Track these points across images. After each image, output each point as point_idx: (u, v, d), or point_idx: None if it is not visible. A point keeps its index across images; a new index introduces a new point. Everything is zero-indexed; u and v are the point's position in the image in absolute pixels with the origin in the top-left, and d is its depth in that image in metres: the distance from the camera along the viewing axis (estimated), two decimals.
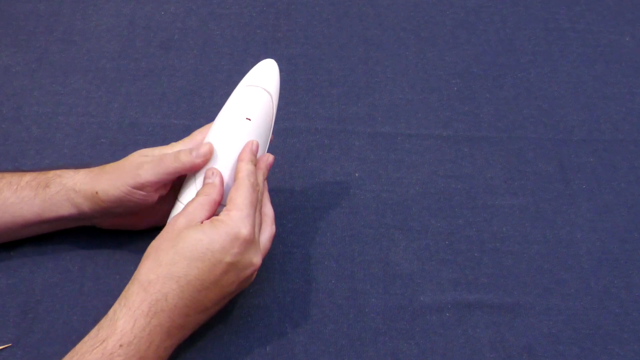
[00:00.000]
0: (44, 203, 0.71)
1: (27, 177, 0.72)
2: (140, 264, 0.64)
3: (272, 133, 0.73)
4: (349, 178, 0.85)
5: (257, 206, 0.67)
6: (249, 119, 0.68)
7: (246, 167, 0.67)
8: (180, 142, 0.72)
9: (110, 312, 0.62)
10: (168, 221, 0.67)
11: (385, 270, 0.76)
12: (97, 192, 0.69)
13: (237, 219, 0.64)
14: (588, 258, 0.78)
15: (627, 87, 0.97)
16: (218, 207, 0.67)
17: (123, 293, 0.62)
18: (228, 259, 0.63)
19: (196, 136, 0.72)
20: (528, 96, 0.96)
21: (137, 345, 0.60)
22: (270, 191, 0.79)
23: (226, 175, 0.68)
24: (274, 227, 0.70)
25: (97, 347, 0.59)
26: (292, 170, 0.86)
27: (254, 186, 0.67)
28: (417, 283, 0.75)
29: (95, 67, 0.98)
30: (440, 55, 1.01)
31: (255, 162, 0.69)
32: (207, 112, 0.91)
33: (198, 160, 0.68)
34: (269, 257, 0.76)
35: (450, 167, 0.87)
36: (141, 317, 0.60)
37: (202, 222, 0.64)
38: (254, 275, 0.67)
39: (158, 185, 0.69)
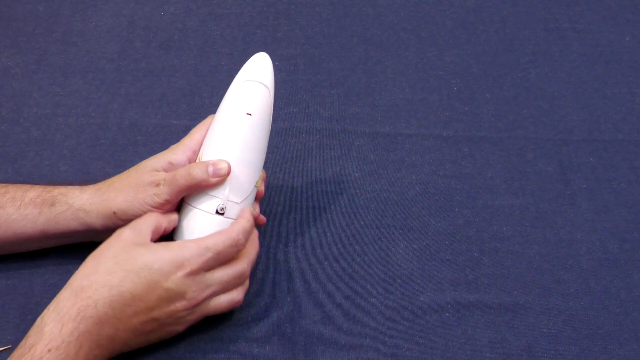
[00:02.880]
0: (48, 222, 0.70)
1: (31, 194, 0.71)
2: (77, 270, 0.63)
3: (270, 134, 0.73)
4: (349, 178, 0.85)
5: (221, 259, 0.64)
6: (250, 114, 0.68)
7: (244, 226, 0.66)
8: (180, 143, 0.71)
9: (38, 319, 0.60)
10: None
11: (385, 270, 0.76)
12: (114, 213, 0.68)
13: (189, 250, 0.63)
14: (588, 258, 0.78)
15: (627, 87, 0.97)
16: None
17: (54, 299, 0.61)
18: (165, 283, 0.62)
19: (195, 135, 0.71)
20: (528, 96, 0.96)
21: (66, 350, 0.58)
22: (271, 191, 0.79)
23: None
24: (246, 282, 0.68)
25: (25, 354, 0.58)
26: (292, 170, 0.86)
27: (236, 244, 0.65)
28: (417, 283, 0.75)
29: (94, 67, 0.98)
30: (440, 55, 1.01)
31: (253, 225, 0.68)
32: (207, 112, 0.90)
33: (213, 180, 0.66)
34: (269, 257, 0.76)
35: (450, 167, 0.87)
36: (69, 322, 0.59)
37: (151, 240, 0.64)
38: (188, 319, 0.65)
39: (175, 201, 0.69)
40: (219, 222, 0.67)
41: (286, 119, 0.91)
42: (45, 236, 0.71)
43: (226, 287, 0.66)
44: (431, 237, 0.79)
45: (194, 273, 0.63)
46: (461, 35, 1.04)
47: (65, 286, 0.62)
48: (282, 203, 0.82)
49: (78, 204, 0.69)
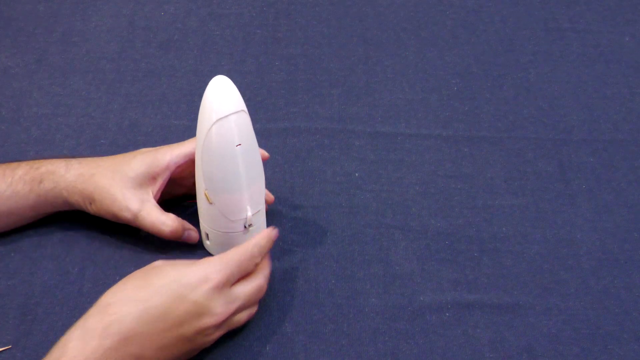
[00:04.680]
0: (39, 198, 0.74)
1: (20, 172, 0.74)
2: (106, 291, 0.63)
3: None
4: (349, 178, 0.85)
5: (242, 270, 0.66)
6: (240, 144, 0.68)
7: (259, 241, 0.67)
8: (169, 148, 0.75)
9: (64, 336, 0.59)
10: None
11: (385, 270, 0.76)
12: (91, 204, 0.73)
13: (213, 264, 0.63)
14: (588, 258, 0.78)
15: (627, 87, 0.97)
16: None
17: (81, 317, 0.60)
18: (192, 296, 0.61)
19: (186, 146, 0.75)
20: (528, 96, 0.96)
21: None
22: (271, 191, 0.79)
23: (224, 202, 0.70)
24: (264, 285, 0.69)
25: None
26: (292, 170, 0.86)
27: (252, 256, 0.66)
28: (417, 283, 0.75)
29: (94, 68, 0.98)
30: (440, 55, 1.01)
31: (271, 243, 0.69)
32: None
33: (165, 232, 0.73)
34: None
35: (450, 167, 0.87)
36: (94, 339, 0.57)
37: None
38: (214, 336, 0.64)
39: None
40: (251, 234, 0.73)
41: (286, 119, 0.91)
42: (35, 212, 0.75)
43: (249, 302, 0.67)
44: (431, 237, 0.79)
45: (220, 286, 0.63)
46: (461, 35, 1.04)
47: (94, 305, 0.61)
48: (282, 203, 0.82)
49: (62, 184, 0.73)
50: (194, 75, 0.97)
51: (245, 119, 0.68)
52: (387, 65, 0.99)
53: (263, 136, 0.86)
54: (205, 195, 0.70)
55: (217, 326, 0.64)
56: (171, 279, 0.62)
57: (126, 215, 0.72)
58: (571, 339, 0.71)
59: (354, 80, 0.97)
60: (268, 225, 0.78)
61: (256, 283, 0.67)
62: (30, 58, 0.99)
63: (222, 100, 0.66)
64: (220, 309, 0.63)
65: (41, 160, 0.75)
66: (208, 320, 0.62)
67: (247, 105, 0.68)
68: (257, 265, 0.67)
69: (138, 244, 0.77)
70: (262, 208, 0.74)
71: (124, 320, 0.59)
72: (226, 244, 0.74)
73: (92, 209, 0.74)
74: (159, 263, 0.65)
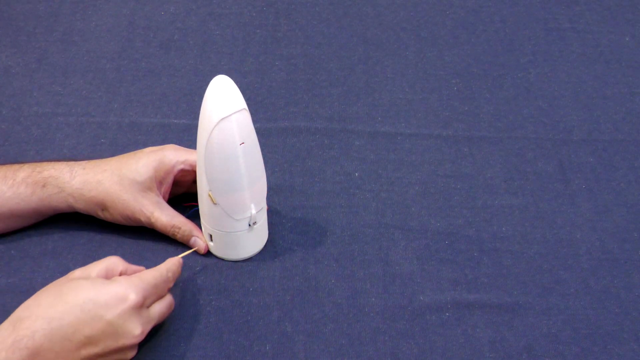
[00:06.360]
0: (41, 201, 0.74)
1: (22, 174, 0.74)
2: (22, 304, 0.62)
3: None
4: (349, 178, 0.85)
5: (158, 292, 0.66)
6: (243, 143, 0.68)
7: (171, 267, 0.68)
8: (177, 149, 0.76)
9: None
10: None
11: (385, 270, 0.76)
12: (102, 210, 0.74)
13: (131, 284, 0.63)
14: (588, 258, 0.78)
15: (627, 87, 0.97)
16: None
17: None
18: (109, 316, 0.61)
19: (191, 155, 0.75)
20: (528, 96, 0.96)
21: None
22: (271, 191, 0.79)
23: (229, 201, 0.70)
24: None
25: None
26: (292, 170, 0.86)
27: (166, 280, 0.67)
28: (417, 283, 0.75)
29: (95, 67, 0.98)
30: (440, 55, 1.01)
31: (179, 274, 0.70)
32: None
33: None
34: (269, 256, 0.76)
35: (450, 167, 0.87)
36: (1, 351, 0.57)
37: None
38: (130, 355, 0.64)
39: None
40: (254, 231, 0.74)
41: (286, 119, 0.91)
42: (38, 214, 0.76)
43: (161, 319, 0.68)
44: (431, 236, 0.79)
45: (137, 306, 0.63)
46: (461, 35, 1.04)
47: (7, 319, 0.60)
48: (282, 203, 0.82)
49: (68, 190, 0.73)
50: (194, 74, 0.97)
51: (247, 117, 0.68)
52: (387, 65, 0.99)
53: (263, 136, 0.86)
54: (210, 196, 0.70)
55: (134, 346, 0.64)
56: (87, 298, 0.61)
57: (140, 218, 0.74)
58: (571, 338, 0.71)
59: (354, 80, 0.97)
60: (269, 224, 0.78)
61: (167, 301, 0.68)
62: (31, 57, 0.99)
63: (224, 100, 0.66)
64: (138, 330, 0.63)
65: (43, 163, 0.75)
66: (126, 341, 0.62)
67: (247, 105, 0.68)
68: (168, 289, 0.68)
69: (138, 241, 0.77)
70: (264, 206, 0.75)
71: (34, 336, 0.58)
72: (230, 244, 0.74)
73: (104, 215, 0.75)
74: (77, 274, 0.64)
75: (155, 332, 0.69)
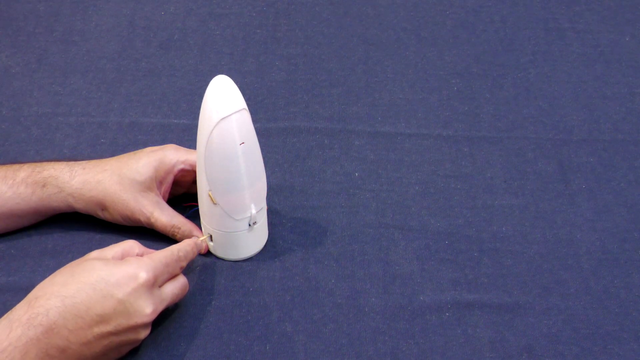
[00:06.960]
0: (41, 201, 0.74)
1: (22, 174, 0.74)
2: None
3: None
4: (349, 178, 0.85)
5: (169, 272, 0.67)
6: (243, 143, 0.68)
7: (184, 247, 0.69)
8: (177, 149, 0.76)
9: None
10: None
11: (385, 270, 0.76)
12: (102, 210, 0.74)
13: (142, 263, 0.64)
14: (588, 258, 0.78)
15: (627, 87, 0.97)
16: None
17: (10, 310, 0.61)
18: (120, 295, 0.61)
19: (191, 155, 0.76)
20: (528, 96, 0.96)
21: (12, 354, 0.57)
22: (271, 191, 0.79)
23: (229, 201, 0.70)
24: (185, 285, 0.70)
25: None
26: (292, 170, 0.86)
27: (178, 259, 0.68)
28: (417, 283, 0.75)
29: (95, 67, 0.98)
30: (440, 55, 1.01)
31: (196, 252, 0.72)
32: None
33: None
34: (269, 256, 0.76)
35: (450, 166, 0.87)
36: (18, 327, 0.58)
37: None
38: (144, 334, 0.65)
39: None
40: (254, 231, 0.74)
41: (286, 118, 0.92)
42: (37, 214, 0.76)
43: (175, 301, 0.68)
44: (431, 236, 0.79)
45: (148, 285, 0.63)
46: (461, 35, 1.04)
47: (24, 299, 0.62)
48: (282, 202, 0.82)
49: (68, 189, 0.74)
50: (194, 74, 0.97)
51: (246, 117, 0.68)
52: (387, 65, 0.99)
53: (263, 136, 0.86)
54: (210, 196, 0.70)
55: (147, 325, 0.64)
56: (99, 277, 0.62)
57: (140, 218, 0.74)
58: (571, 339, 0.71)
59: (354, 80, 0.97)
60: (269, 224, 0.78)
61: (181, 282, 0.68)
62: (31, 57, 0.99)
63: (224, 100, 0.66)
64: (149, 308, 0.63)
65: (42, 164, 0.75)
66: (137, 320, 0.63)
67: (247, 105, 0.68)
68: (181, 268, 0.69)
69: (138, 238, 0.77)
70: (264, 206, 0.75)
71: (48, 313, 0.60)
72: (230, 244, 0.74)
73: (103, 214, 0.75)
74: (93, 255, 0.65)
75: (156, 332, 0.69)
